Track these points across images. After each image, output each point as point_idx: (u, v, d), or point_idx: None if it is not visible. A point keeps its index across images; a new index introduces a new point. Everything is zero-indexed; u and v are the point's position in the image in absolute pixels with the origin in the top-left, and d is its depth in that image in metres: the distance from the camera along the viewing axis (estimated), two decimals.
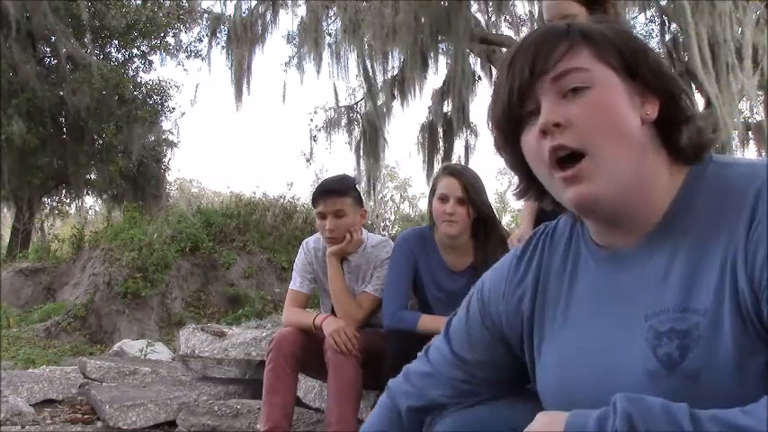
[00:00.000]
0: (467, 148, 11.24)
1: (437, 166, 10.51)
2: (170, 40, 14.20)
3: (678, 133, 0.80)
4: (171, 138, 14.45)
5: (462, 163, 11.21)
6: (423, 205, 16.78)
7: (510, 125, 0.83)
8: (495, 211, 2.34)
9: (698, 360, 0.70)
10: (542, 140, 0.79)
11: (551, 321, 0.89)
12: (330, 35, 11.53)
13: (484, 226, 2.24)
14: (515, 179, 0.90)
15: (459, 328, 1.00)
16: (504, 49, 10.55)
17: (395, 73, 10.61)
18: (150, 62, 14.25)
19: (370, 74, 10.19)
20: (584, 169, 0.76)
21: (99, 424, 2.81)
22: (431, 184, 2.37)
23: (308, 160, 13.00)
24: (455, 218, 2.20)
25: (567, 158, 0.78)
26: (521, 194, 0.90)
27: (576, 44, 0.80)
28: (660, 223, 0.80)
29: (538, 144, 0.79)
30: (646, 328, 0.76)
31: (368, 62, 10.18)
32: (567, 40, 0.80)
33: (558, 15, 1.96)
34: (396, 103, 10.86)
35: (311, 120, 12.61)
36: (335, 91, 11.46)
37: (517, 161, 0.86)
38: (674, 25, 9.37)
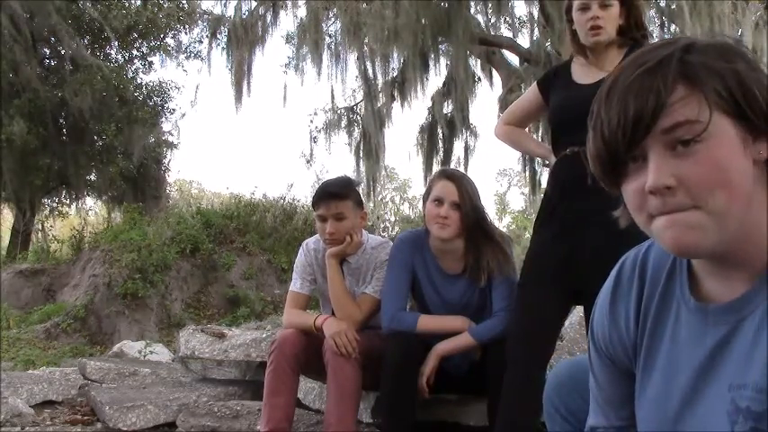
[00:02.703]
0: (466, 149, 11.27)
1: (436, 168, 10.52)
2: (170, 41, 14.23)
3: None
4: (171, 139, 14.48)
5: (462, 164, 11.24)
6: None
7: (611, 166, 0.78)
8: (488, 217, 2.31)
9: None
10: (649, 197, 0.74)
11: (645, 365, 0.89)
12: (330, 36, 11.54)
13: (477, 232, 2.24)
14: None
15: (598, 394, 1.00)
16: (504, 51, 10.58)
17: (395, 74, 10.62)
18: (150, 63, 14.28)
19: (370, 75, 10.20)
20: (691, 218, 0.72)
21: (99, 425, 2.81)
22: (426, 187, 2.37)
23: (308, 161, 13.04)
24: (448, 221, 2.19)
25: None
26: (624, 222, 0.85)
27: (685, 87, 0.72)
28: (760, 273, 0.74)
29: (641, 197, 0.75)
30: (728, 399, 0.73)
31: (368, 64, 10.19)
32: (676, 81, 0.72)
33: (595, 0, 1.96)
34: (396, 105, 10.88)
35: (311, 121, 12.65)
36: (332, 93, 11.48)
37: (616, 190, 0.81)
38: (673, 26, 9.38)
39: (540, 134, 8.90)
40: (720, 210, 0.71)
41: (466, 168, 11.19)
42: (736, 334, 0.75)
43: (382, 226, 13.36)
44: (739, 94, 0.72)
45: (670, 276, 0.87)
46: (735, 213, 0.72)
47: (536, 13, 9.95)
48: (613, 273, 0.95)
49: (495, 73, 10.90)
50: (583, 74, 2.06)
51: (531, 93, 2.28)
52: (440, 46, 10.21)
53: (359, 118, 11.64)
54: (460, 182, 2.24)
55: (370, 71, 10.35)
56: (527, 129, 2.47)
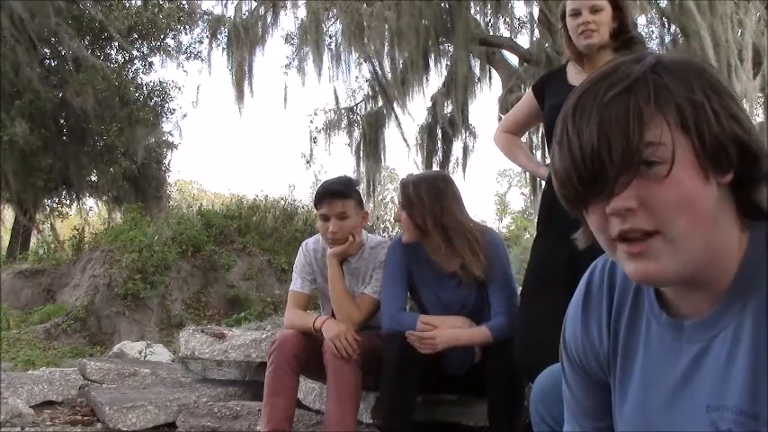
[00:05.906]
0: (465, 149, 11.24)
1: (435, 168, 10.51)
2: (170, 41, 14.24)
3: (755, 192, 0.72)
4: (171, 139, 14.49)
5: (461, 164, 11.23)
6: None
7: (582, 188, 0.74)
8: (458, 213, 2.24)
9: None
10: (611, 218, 0.72)
11: (621, 379, 0.88)
12: (331, 37, 11.54)
13: (441, 230, 2.20)
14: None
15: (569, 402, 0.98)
16: (504, 51, 10.58)
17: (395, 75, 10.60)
18: (150, 64, 14.28)
19: (373, 75, 10.19)
20: (653, 247, 0.71)
21: (99, 426, 2.81)
22: None
23: (307, 162, 13.03)
24: (402, 224, 2.26)
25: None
26: (584, 242, 0.84)
27: (648, 107, 0.70)
28: (726, 291, 0.74)
29: (603, 219, 0.73)
30: (707, 420, 0.73)
31: (374, 64, 10.18)
32: (642, 103, 0.70)
33: (585, 6, 1.99)
34: (394, 105, 10.86)
35: (311, 121, 12.65)
36: (336, 94, 11.45)
37: (579, 212, 0.79)
38: (673, 27, 9.37)
39: (539, 137, 8.89)
40: (682, 234, 0.70)
41: (464, 169, 11.19)
42: (708, 352, 0.75)
43: (382, 226, 13.35)
44: (700, 117, 0.70)
45: (638, 287, 0.85)
46: (697, 237, 0.70)
47: (536, 14, 9.95)
48: (583, 282, 0.93)
49: (495, 73, 10.91)
50: (578, 76, 2.07)
51: (526, 99, 2.29)
52: (440, 46, 10.21)
53: (359, 118, 11.63)
54: (406, 186, 2.26)
55: (373, 71, 10.35)
56: (524, 136, 2.47)
